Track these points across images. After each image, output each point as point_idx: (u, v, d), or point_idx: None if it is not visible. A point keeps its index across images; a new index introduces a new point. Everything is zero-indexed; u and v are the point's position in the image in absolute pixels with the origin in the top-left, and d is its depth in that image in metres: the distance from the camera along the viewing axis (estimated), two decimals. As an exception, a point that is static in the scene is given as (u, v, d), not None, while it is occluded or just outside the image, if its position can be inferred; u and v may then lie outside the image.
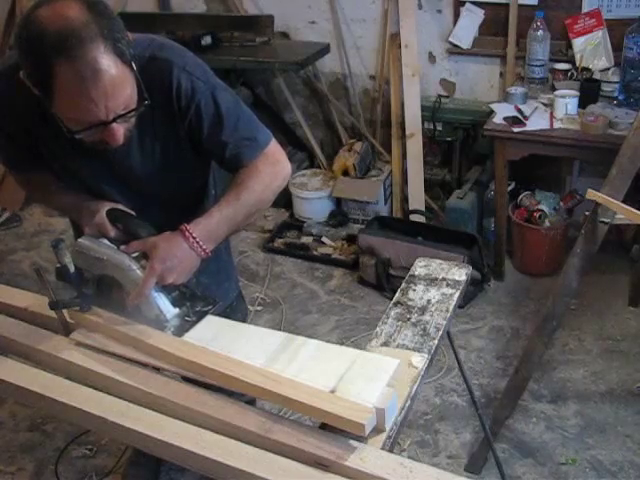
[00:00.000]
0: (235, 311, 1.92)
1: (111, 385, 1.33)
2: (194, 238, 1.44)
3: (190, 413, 1.24)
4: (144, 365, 1.37)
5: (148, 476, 2.30)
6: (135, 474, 2.30)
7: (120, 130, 1.34)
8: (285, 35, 3.89)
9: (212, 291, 1.67)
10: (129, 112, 1.33)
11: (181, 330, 1.43)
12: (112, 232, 1.49)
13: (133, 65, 1.32)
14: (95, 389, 1.33)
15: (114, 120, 1.31)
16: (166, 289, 1.45)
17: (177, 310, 1.46)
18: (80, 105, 1.26)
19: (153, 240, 1.45)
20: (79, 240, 1.49)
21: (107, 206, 1.53)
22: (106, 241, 1.47)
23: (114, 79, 1.26)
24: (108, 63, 1.25)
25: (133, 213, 1.55)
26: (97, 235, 1.49)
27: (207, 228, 1.47)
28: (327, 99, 3.91)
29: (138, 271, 1.41)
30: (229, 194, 1.51)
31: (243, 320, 1.98)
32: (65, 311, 1.46)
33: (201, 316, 1.47)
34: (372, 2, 3.64)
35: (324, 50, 3.66)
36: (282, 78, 3.86)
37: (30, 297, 1.59)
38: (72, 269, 1.39)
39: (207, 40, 3.58)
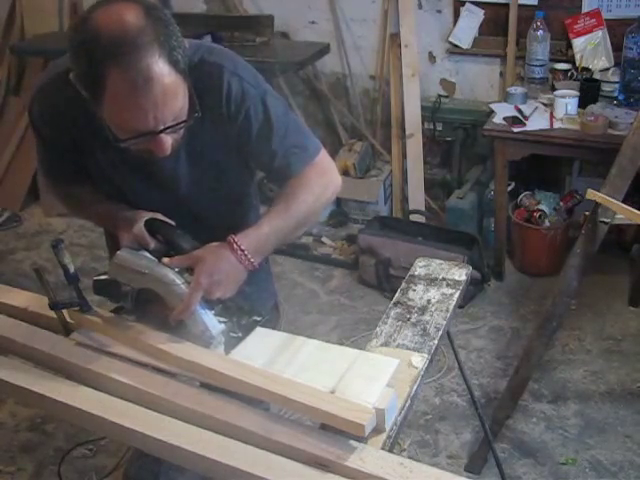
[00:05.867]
0: (270, 320, 1.86)
1: (111, 385, 1.32)
2: (242, 250, 1.37)
3: (190, 413, 1.24)
4: (144, 365, 1.36)
5: (148, 476, 2.29)
6: (135, 474, 2.29)
7: (168, 141, 1.28)
8: (285, 35, 3.89)
9: (252, 301, 1.57)
10: (179, 123, 1.28)
11: (228, 347, 1.37)
12: (152, 244, 1.41)
13: (187, 75, 1.26)
14: (95, 389, 1.32)
15: (163, 131, 1.25)
16: (210, 303, 1.38)
17: (223, 326, 1.38)
18: (129, 113, 1.22)
19: (199, 253, 1.37)
20: (118, 252, 1.40)
21: (146, 216, 1.44)
22: (146, 253, 1.39)
23: (166, 89, 1.21)
24: (161, 72, 1.19)
25: (173, 223, 1.46)
26: (136, 247, 1.41)
27: (256, 240, 1.40)
28: (327, 99, 3.91)
29: (183, 286, 1.34)
30: (278, 205, 1.43)
31: (273, 328, 1.93)
32: (65, 311, 1.44)
33: (249, 330, 1.41)
34: (372, 2, 3.64)
35: (324, 50, 3.65)
36: (282, 78, 3.85)
37: (30, 297, 1.58)
38: (72, 269, 1.37)
39: (207, 40, 3.57)
